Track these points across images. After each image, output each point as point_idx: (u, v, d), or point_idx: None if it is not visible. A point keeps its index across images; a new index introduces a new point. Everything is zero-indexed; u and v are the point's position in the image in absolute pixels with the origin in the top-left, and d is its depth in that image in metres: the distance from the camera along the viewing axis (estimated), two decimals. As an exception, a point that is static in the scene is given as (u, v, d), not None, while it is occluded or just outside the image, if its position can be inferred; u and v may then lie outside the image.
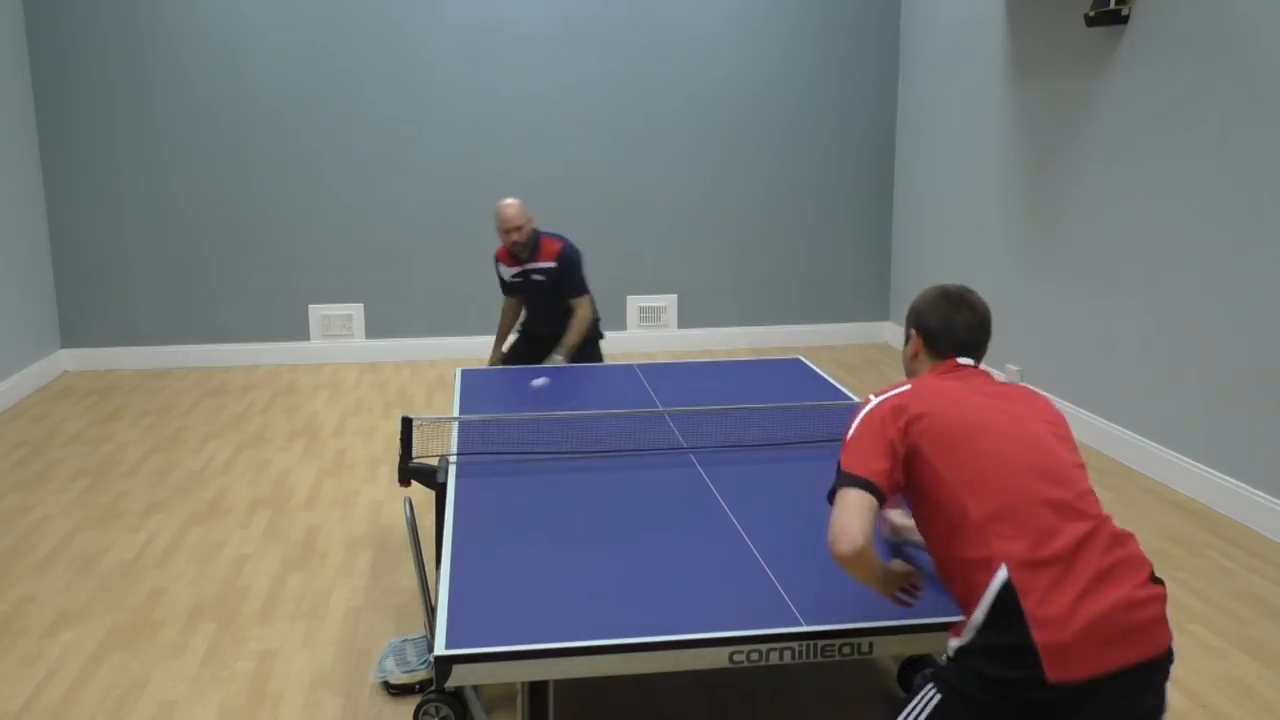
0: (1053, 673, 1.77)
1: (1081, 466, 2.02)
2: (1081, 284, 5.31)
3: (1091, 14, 4.90)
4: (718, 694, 3.03)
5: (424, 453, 4.12)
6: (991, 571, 1.86)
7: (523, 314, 5.10)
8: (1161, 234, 4.70)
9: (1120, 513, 4.38)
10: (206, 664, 3.23)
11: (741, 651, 2.07)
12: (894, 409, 2.04)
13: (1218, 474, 4.40)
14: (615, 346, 7.41)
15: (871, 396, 2.11)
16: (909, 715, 1.90)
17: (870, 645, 2.10)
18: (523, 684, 2.20)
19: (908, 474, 2.02)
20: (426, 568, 3.43)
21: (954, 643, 1.92)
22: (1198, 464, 4.52)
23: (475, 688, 2.90)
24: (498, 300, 7.29)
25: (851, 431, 2.06)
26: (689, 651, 2.06)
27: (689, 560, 2.40)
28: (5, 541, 4.18)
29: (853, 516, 1.92)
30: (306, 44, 6.82)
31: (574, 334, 4.71)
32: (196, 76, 6.77)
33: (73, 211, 6.83)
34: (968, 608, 1.90)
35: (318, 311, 7.14)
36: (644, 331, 7.45)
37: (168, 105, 6.78)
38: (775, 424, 3.43)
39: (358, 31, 6.85)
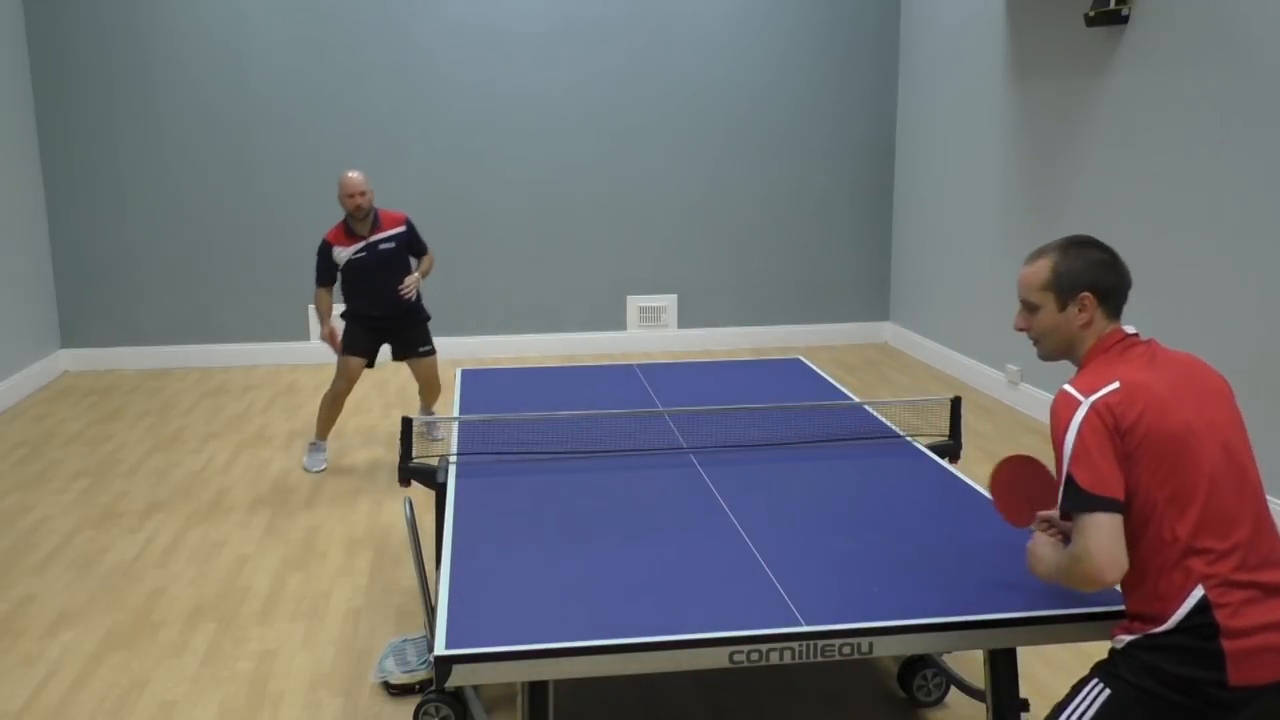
0: (1235, 676, 1.84)
1: (1255, 462, 2.02)
2: (1081, 284, 5.30)
3: (1091, 14, 4.90)
4: (718, 694, 3.03)
5: (424, 453, 4.13)
6: (1190, 583, 1.89)
7: (346, 301, 5.10)
8: (1161, 233, 4.70)
9: (1120, 513, 4.37)
10: (206, 664, 3.23)
11: (741, 651, 2.06)
12: (1113, 410, 1.95)
13: (1218, 474, 4.40)
14: (615, 346, 7.41)
15: (1071, 392, 2.00)
16: (1076, 711, 1.95)
17: (870, 645, 2.10)
18: (523, 684, 2.20)
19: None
20: (426, 568, 3.43)
21: (1128, 637, 1.95)
22: (1198, 464, 4.51)
23: (475, 688, 2.90)
24: (498, 300, 7.29)
25: (1073, 440, 1.95)
26: (689, 651, 2.05)
27: (689, 560, 2.40)
28: (5, 541, 4.18)
29: (1116, 544, 1.89)
30: (307, 43, 6.82)
31: (428, 265, 5.16)
32: (197, 76, 6.77)
33: (73, 211, 6.83)
34: (1154, 612, 1.92)
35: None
36: (644, 331, 7.45)
37: (168, 105, 6.78)
38: (775, 424, 3.43)
39: (358, 31, 6.85)
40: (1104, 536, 1.88)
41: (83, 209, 6.83)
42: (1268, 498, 3.73)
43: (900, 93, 7.37)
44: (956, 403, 3.42)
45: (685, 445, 3.24)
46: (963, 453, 3.39)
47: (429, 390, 5.31)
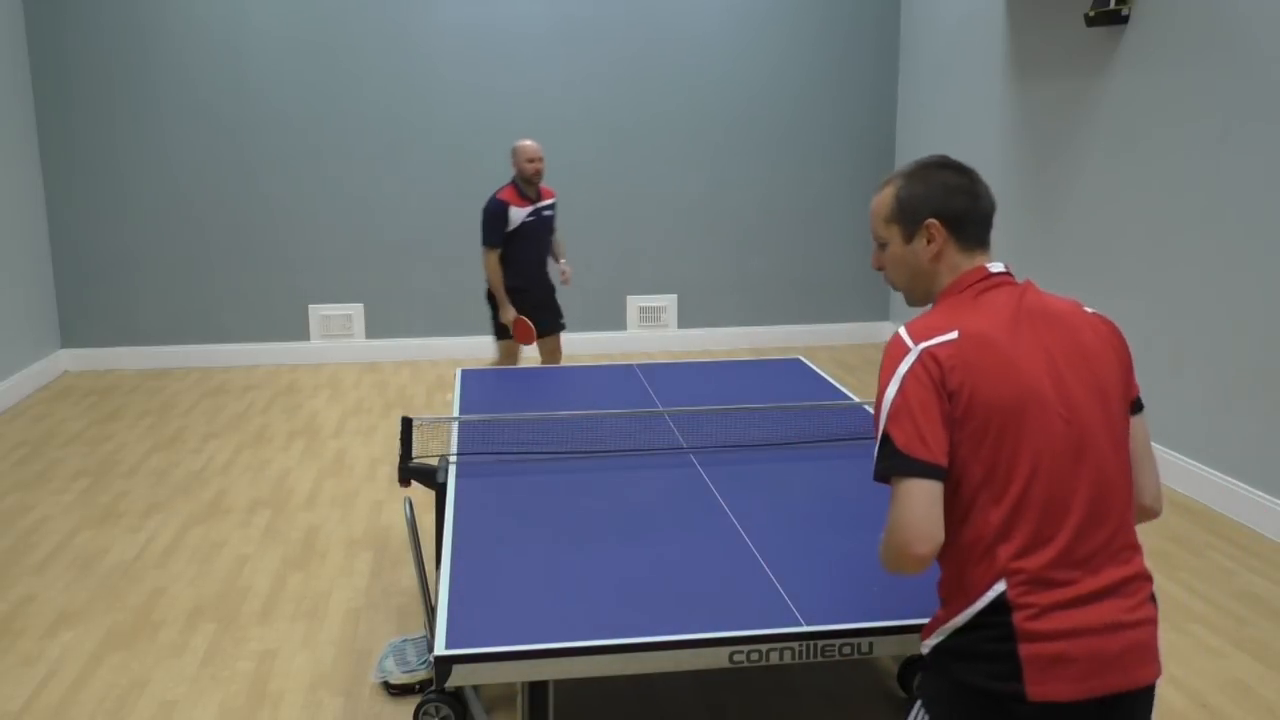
0: (1034, 690, 1.61)
1: (1125, 452, 1.72)
2: (1082, 283, 5.30)
3: (1091, 14, 4.90)
4: (718, 694, 3.03)
5: (424, 453, 4.12)
6: (990, 576, 1.65)
7: (515, 276, 5.07)
8: (1161, 233, 4.70)
9: (1120, 513, 4.37)
10: (206, 664, 3.23)
11: (741, 651, 2.06)
12: (940, 363, 1.67)
13: (1218, 474, 4.40)
14: (615, 346, 7.41)
15: (903, 335, 1.72)
16: None
17: (870, 645, 2.10)
18: (523, 684, 2.20)
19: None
20: (426, 568, 3.43)
21: (930, 641, 1.75)
22: (1198, 464, 4.52)
23: (475, 688, 2.90)
24: (498, 300, 7.28)
25: (894, 392, 1.68)
26: (689, 651, 2.05)
27: (689, 560, 2.40)
28: (5, 541, 4.18)
29: (930, 514, 1.63)
30: (307, 44, 6.82)
31: (563, 248, 5.24)
32: (197, 76, 6.77)
33: (73, 211, 6.83)
34: (954, 602, 1.70)
35: (318, 311, 7.14)
36: (644, 331, 7.45)
37: (168, 105, 6.78)
38: (775, 424, 3.43)
39: (358, 31, 6.85)
40: (918, 506, 1.62)
41: (83, 209, 6.83)
42: (1261, 497, 3.65)
43: (900, 92, 7.37)
44: (956, 403, 3.42)
45: (685, 445, 3.23)
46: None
47: (553, 362, 5.29)
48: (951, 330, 1.70)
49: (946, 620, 1.71)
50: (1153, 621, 1.69)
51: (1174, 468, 4.64)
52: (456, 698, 2.83)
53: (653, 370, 4.21)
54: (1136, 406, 1.81)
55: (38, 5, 6.58)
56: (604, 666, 2.04)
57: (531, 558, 2.42)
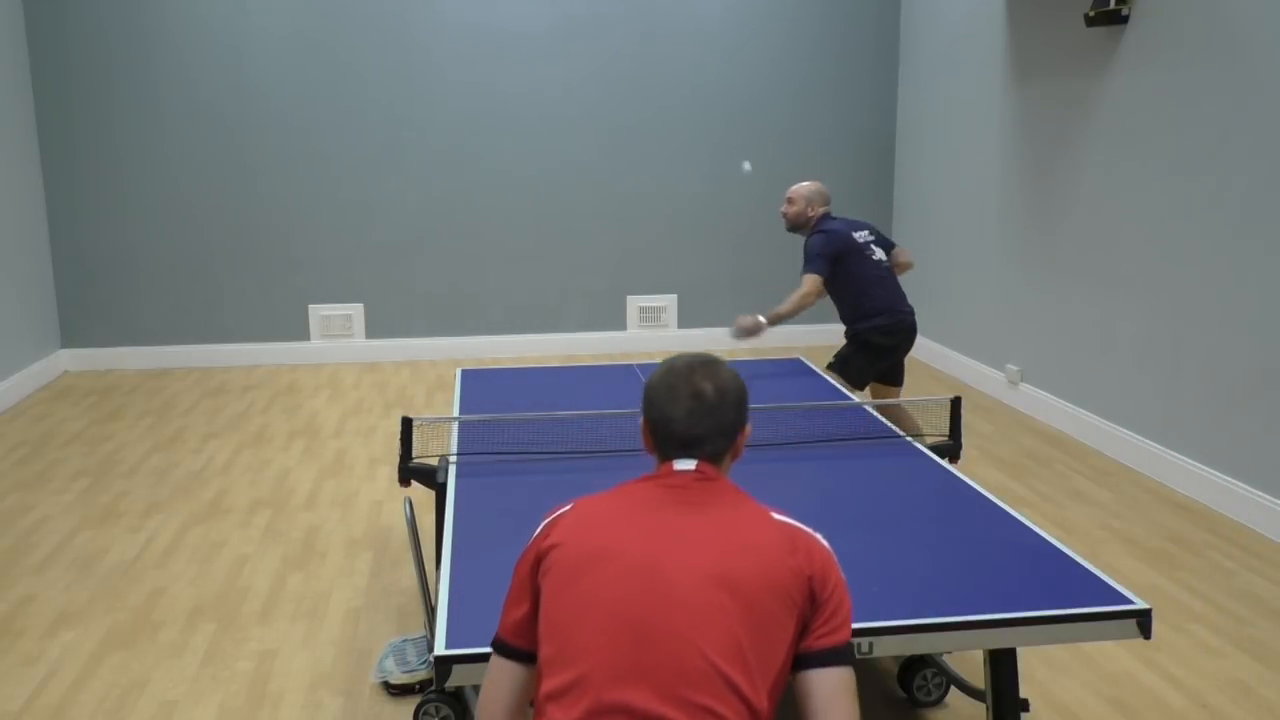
0: None
1: (744, 650, 1.49)
2: (1081, 284, 5.31)
3: (1091, 14, 4.90)
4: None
5: (424, 453, 4.13)
6: None
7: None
8: (1161, 233, 4.70)
9: (1120, 513, 4.38)
10: (206, 664, 3.23)
11: (741, 651, 2.06)
12: (539, 541, 1.67)
13: (1218, 474, 4.40)
14: (615, 346, 7.41)
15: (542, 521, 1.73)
16: None
17: (870, 645, 2.10)
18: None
19: None
20: (426, 568, 3.43)
21: None
22: (1198, 464, 4.52)
23: (475, 688, 2.90)
24: (497, 299, 7.30)
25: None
26: (689, 651, 2.05)
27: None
28: (5, 541, 4.18)
29: (492, 693, 1.63)
30: (307, 43, 6.82)
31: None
32: (197, 76, 6.77)
33: (73, 211, 6.83)
34: None
35: (318, 311, 7.14)
36: (644, 331, 7.45)
37: (168, 104, 6.78)
38: (775, 424, 3.43)
39: (358, 31, 6.85)
40: (487, 680, 1.69)
41: (83, 209, 6.83)
42: (1261, 497, 3.68)
43: (900, 92, 7.37)
44: (956, 403, 3.43)
45: (685, 445, 3.23)
46: (963, 453, 3.40)
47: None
48: (569, 504, 1.70)
49: None
50: None
51: (1174, 468, 4.64)
52: (456, 698, 2.83)
53: (652, 370, 4.21)
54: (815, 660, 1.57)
55: (38, 5, 6.58)
56: (604, 666, 2.04)
57: (531, 558, 2.42)
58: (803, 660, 1.57)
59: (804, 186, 4.51)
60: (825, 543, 1.66)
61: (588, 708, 1.48)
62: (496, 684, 1.67)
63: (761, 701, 1.50)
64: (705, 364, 1.72)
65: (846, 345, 4.44)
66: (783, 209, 4.56)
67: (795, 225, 4.54)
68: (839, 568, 1.64)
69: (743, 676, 1.48)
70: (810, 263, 4.34)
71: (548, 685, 1.54)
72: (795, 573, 1.57)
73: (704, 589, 1.51)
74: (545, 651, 1.57)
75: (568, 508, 1.70)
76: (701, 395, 1.68)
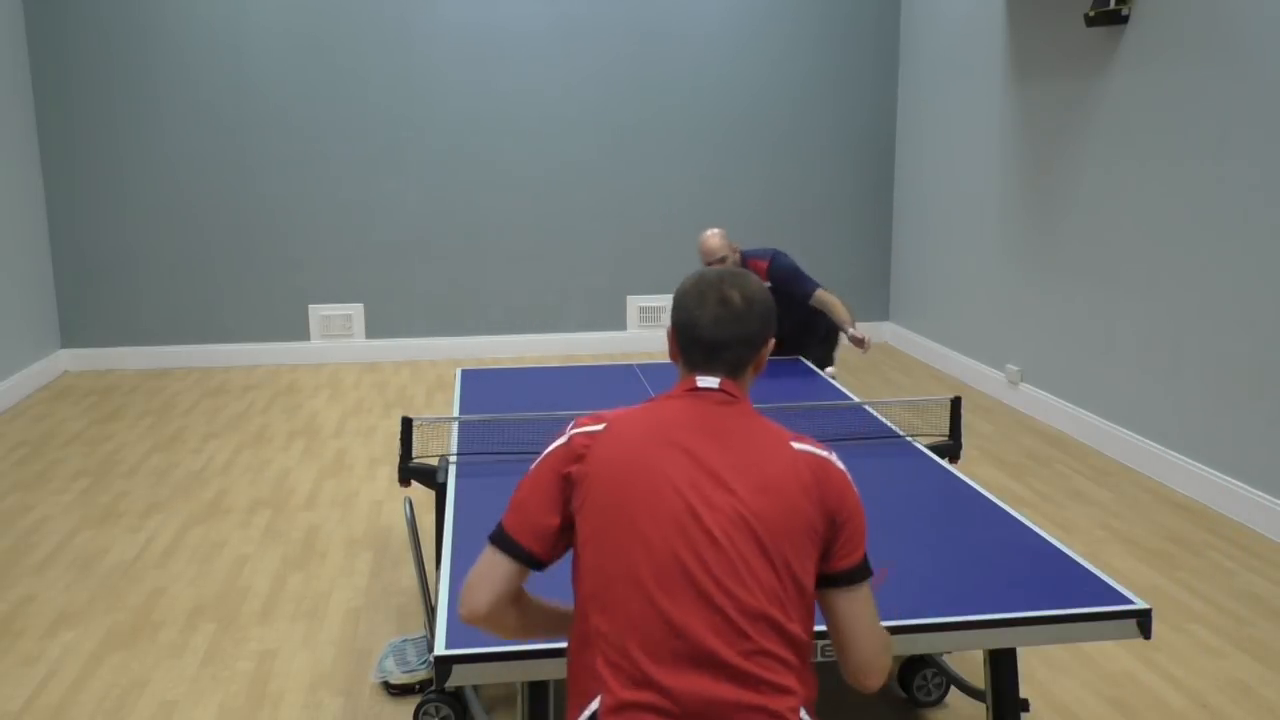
0: None
1: (775, 578, 1.56)
2: (1081, 284, 5.31)
3: (1091, 14, 4.90)
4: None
5: (424, 453, 4.13)
6: (594, 687, 1.56)
7: None
8: (1161, 233, 4.70)
9: (1120, 513, 4.38)
10: (206, 664, 3.23)
11: (741, 651, 2.06)
12: (569, 453, 1.66)
13: (1218, 474, 4.40)
14: (615, 346, 7.41)
15: (568, 428, 1.71)
16: None
17: (870, 645, 2.10)
18: (522, 684, 2.20)
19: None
20: (426, 568, 3.43)
21: None
22: (1198, 464, 4.52)
23: (475, 688, 2.90)
24: (496, 300, 7.29)
25: (530, 470, 1.70)
26: (689, 651, 2.05)
27: (689, 560, 2.40)
28: (5, 541, 4.18)
29: (481, 581, 1.64)
30: (307, 43, 6.82)
31: (841, 312, 4.44)
32: (197, 76, 6.77)
33: (73, 211, 6.83)
34: (572, 711, 1.61)
35: (318, 311, 7.14)
36: (644, 331, 7.45)
37: (168, 104, 6.78)
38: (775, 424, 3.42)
39: (358, 31, 6.85)
40: (476, 568, 1.67)
41: (83, 209, 6.83)
42: (1261, 497, 3.67)
43: (900, 92, 7.37)
44: (956, 403, 3.42)
45: (685, 445, 3.23)
46: (963, 453, 3.40)
47: None
48: (602, 423, 1.69)
49: None
50: None
51: (1174, 468, 4.64)
52: (456, 698, 2.83)
53: (653, 370, 4.21)
54: (844, 578, 1.64)
55: (38, 5, 6.58)
56: (604, 666, 2.04)
57: (531, 558, 2.42)
58: (825, 581, 1.64)
59: (718, 234, 4.41)
60: (841, 464, 1.68)
61: (639, 658, 1.53)
62: (495, 577, 1.65)
63: (800, 632, 1.58)
64: (735, 274, 1.75)
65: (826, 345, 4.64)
66: (721, 268, 4.45)
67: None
68: (854, 487, 1.68)
69: (781, 612, 1.55)
70: (806, 278, 4.50)
71: (596, 623, 1.57)
72: (818, 504, 1.62)
73: (737, 533, 1.56)
74: (586, 589, 1.60)
75: (600, 428, 1.67)
76: (728, 302, 1.70)
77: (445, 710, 2.83)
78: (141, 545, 4.13)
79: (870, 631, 1.63)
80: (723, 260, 4.39)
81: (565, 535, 1.66)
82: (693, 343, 1.71)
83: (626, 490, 1.59)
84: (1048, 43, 5.51)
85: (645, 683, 1.52)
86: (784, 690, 1.55)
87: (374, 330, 7.22)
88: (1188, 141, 4.50)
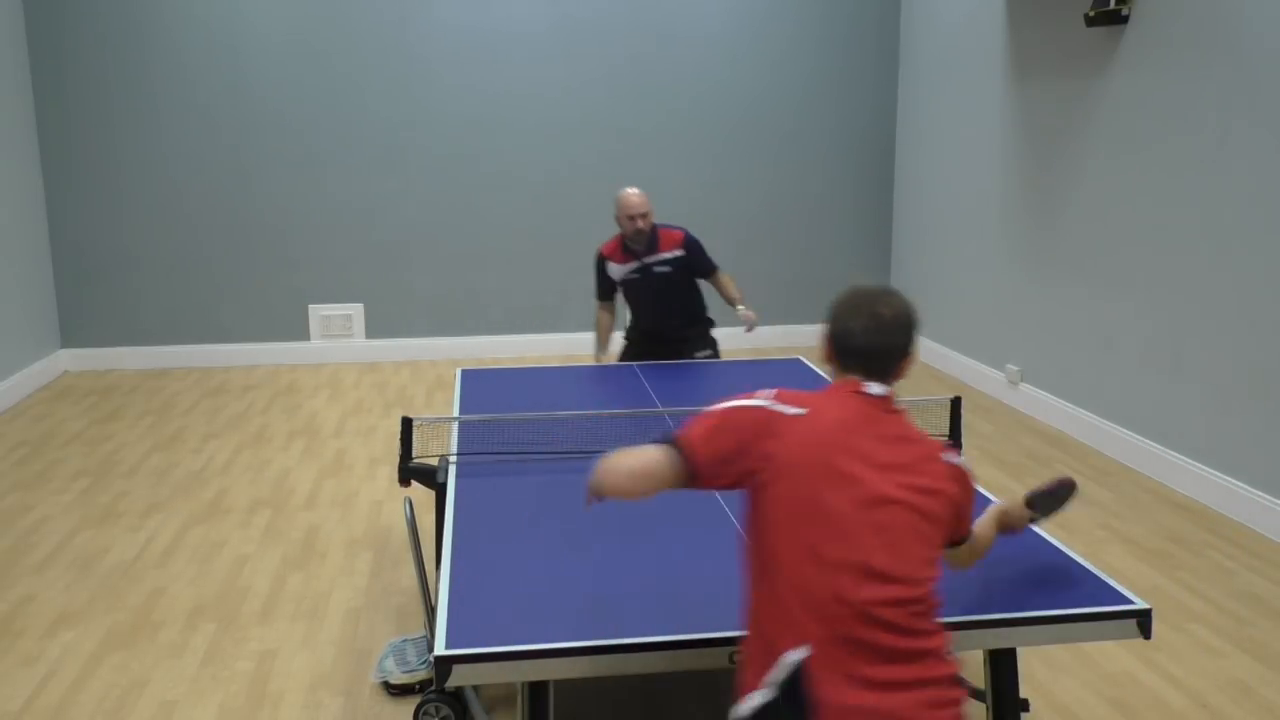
0: None
1: (927, 545, 1.82)
2: (1081, 284, 5.31)
3: (1091, 14, 4.90)
4: (718, 694, 3.03)
5: (424, 453, 4.12)
6: (791, 641, 1.74)
7: (629, 316, 4.76)
8: (1161, 234, 4.70)
9: (1120, 513, 4.38)
10: (206, 664, 3.23)
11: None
12: (771, 420, 1.88)
13: (1218, 474, 4.40)
14: (615, 346, 7.40)
15: (763, 394, 1.94)
16: None
17: (870, 645, 2.10)
18: (523, 684, 2.20)
19: (749, 497, 1.88)
20: (426, 568, 3.43)
21: (740, 709, 1.80)
22: (1198, 464, 4.52)
23: (475, 688, 2.90)
24: (496, 300, 7.29)
25: (720, 405, 1.94)
26: (689, 651, 2.05)
27: (689, 560, 2.40)
28: (5, 541, 4.18)
29: (638, 464, 1.91)
30: (306, 44, 6.82)
31: (735, 291, 4.55)
32: (196, 76, 6.77)
33: (73, 211, 6.83)
34: (759, 670, 1.78)
35: (318, 311, 7.14)
36: (644, 331, 7.44)
37: (168, 105, 6.78)
38: (775, 424, 3.42)
39: (358, 32, 6.85)
40: (643, 453, 1.94)
41: (83, 209, 6.83)
42: (1261, 497, 3.65)
43: (900, 92, 7.37)
44: (956, 403, 3.42)
45: (685, 445, 3.23)
46: (963, 453, 3.39)
47: None
48: (805, 408, 1.90)
49: (753, 687, 1.80)
50: (951, 704, 1.78)
51: (1174, 468, 4.64)
52: (456, 698, 2.83)
53: (653, 370, 4.21)
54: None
55: (38, 5, 6.58)
56: (604, 666, 2.04)
57: (531, 558, 2.42)
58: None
59: (637, 191, 4.42)
60: (967, 465, 1.97)
61: (811, 640, 1.73)
62: (653, 470, 1.90)
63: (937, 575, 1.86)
64: (886, 292, 2.00)
65: (710, 337, 4.69)
66: (641, 224, 4.40)
67: (651, 234, 4.48)
68: (973, 483, 2.00)
69: (934, 595, 1.82)
70: (710, 257, 4.61)
71: (770, 590, 1.79)
72: (961, 506, 1.95)
73: (907, 531, 1.81)
74: (762, 558, 1.81)
75: (801, 412, 1.88)
76: (880, 317, 1.94)
77: (445, 710, 2.83)
78: (141, 545, 4.14)
79: (969, 563, 2.17)
80: (645, 216, 4.41)
81: (727, 475, 1.89)
82: (847, 351, 1.95)
83: (815, 479, 1.81)
84: (1048, 43, 5.51)
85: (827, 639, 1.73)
86: (941, 658, 1.80)
87: (374, 330, 7.22)
88: (1188, 141, 4.50)
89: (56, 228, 6.83)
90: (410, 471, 3.20)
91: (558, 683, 2.90)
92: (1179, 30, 4.52)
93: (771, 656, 1.76)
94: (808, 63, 7.28)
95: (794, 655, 1.73)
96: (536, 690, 2.19)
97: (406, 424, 3.20)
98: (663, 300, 4.60)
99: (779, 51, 7.24)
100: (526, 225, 7.22)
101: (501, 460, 3.09)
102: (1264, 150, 4.09)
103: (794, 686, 1.73)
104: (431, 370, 6.95)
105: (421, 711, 2.83)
